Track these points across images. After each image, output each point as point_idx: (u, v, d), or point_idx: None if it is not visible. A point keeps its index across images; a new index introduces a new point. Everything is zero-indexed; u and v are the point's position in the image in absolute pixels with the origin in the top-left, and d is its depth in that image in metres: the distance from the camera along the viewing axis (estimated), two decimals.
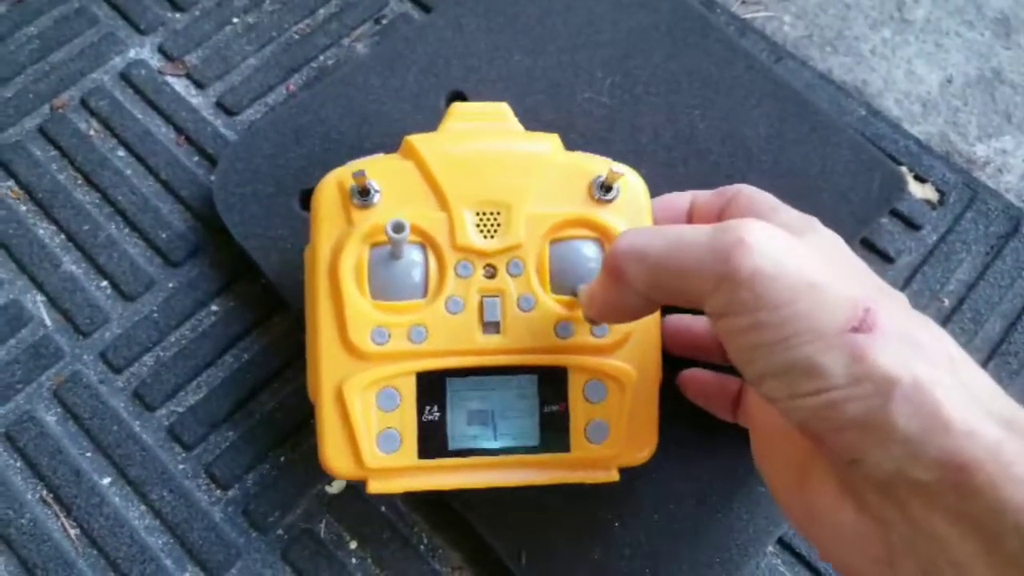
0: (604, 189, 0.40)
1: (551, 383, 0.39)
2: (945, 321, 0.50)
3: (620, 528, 0.43)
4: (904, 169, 0.54)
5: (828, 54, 0.60)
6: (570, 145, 0.42)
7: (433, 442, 0.38)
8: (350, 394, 0.38)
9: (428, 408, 0.38)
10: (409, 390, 0.38)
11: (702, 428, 0.43)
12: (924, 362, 0.27)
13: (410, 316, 0.39)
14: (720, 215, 0.39)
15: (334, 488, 0.45)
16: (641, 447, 0.39)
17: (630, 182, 0.41)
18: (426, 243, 0.40)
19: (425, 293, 0.39)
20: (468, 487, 0.39)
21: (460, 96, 0.52)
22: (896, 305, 0.29)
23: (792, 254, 0.29)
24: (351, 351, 0.38)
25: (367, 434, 0.38)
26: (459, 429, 0.38)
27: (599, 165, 0.41)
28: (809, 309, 0.28)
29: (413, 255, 0.40)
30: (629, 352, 0.40)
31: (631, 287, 0.33)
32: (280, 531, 0.44)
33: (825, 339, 0.28)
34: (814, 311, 0.28)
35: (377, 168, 0.40)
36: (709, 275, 0.30)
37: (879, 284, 0.32)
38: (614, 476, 0.39)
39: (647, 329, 0.40)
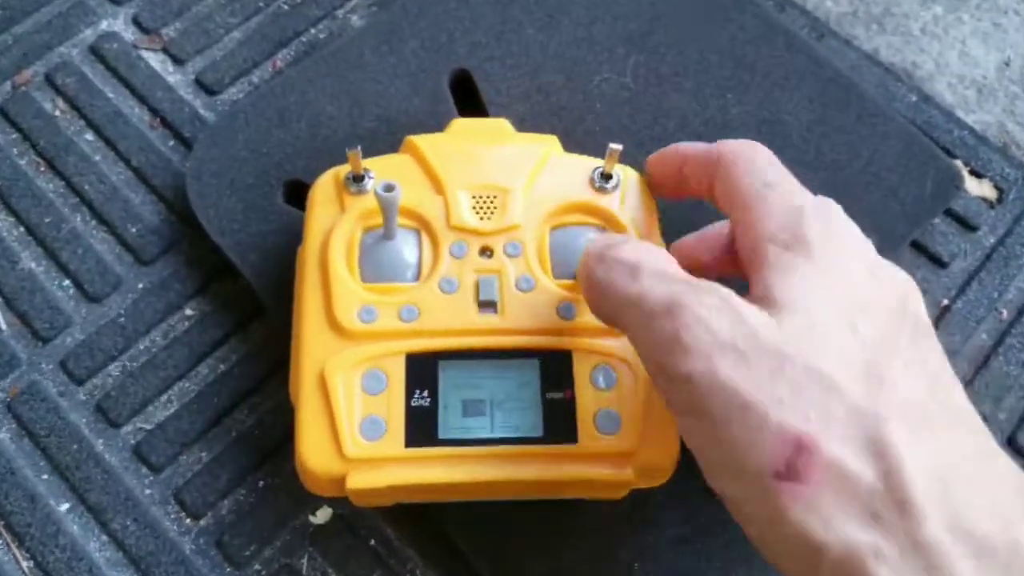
0: (604, 178, 0.39)
1: (554, 368, 0.36)
2: (1004, 335, 0.44)
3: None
4: (959, 163, 0.48)
5: (875, 32, 0.54)
6: (588, 132, 0.40)
7: (422, 430, 0.34)
8: (332, 375, 0.35)
9: (418, 392, 0.35)
10: (397, 372, 0.35)
11: None
12: (866, 520, 0.23)
13: (401, 296, 0.37)
14: (711, 185, 0.34)
15: (319, 518, 0.40)
16: (661, 447, 0.35)
17: (629, 172, 0.40)
18: (420, 227, 0.38)
19: (418, 278, 0.37)
20: (461, 482, 0.34)
21: (465, 75, 0.47)
22: (879, 416, 0.24)
23: (730, 362, 0.25)
24: (337, 330, 0.36)
25: (349, 420, 0.34)
26: (451, 416, 0.35)
27: (597, 162, 0.40)
28: (736, 438, 0.24)
29: (406, 239, 0.38)
30: None
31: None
32: (258, 566, 0.39)
33: (748, 481, 0.24)
34: (741, 442, 0.24)
35: (376, 164, 0.39)
36: (648, 356, 0.28)
37: (879, 373, 0.25)
38: (629, 476, 0.34)
39: None
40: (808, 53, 0.48)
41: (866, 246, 0.30)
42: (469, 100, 0.47)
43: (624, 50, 0.47)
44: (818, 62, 0.48)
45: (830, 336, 0.26)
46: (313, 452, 0.34)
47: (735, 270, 0.33)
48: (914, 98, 0.50)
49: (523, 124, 0.45)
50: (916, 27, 0.54)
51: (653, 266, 0.29)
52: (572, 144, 0.43)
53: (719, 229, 0.37)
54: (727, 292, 0.27)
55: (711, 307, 0.26)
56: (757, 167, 0.32)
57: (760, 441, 0.24)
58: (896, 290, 0.28)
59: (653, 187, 0.39)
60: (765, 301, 0.27)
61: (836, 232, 0.29)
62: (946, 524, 0.23)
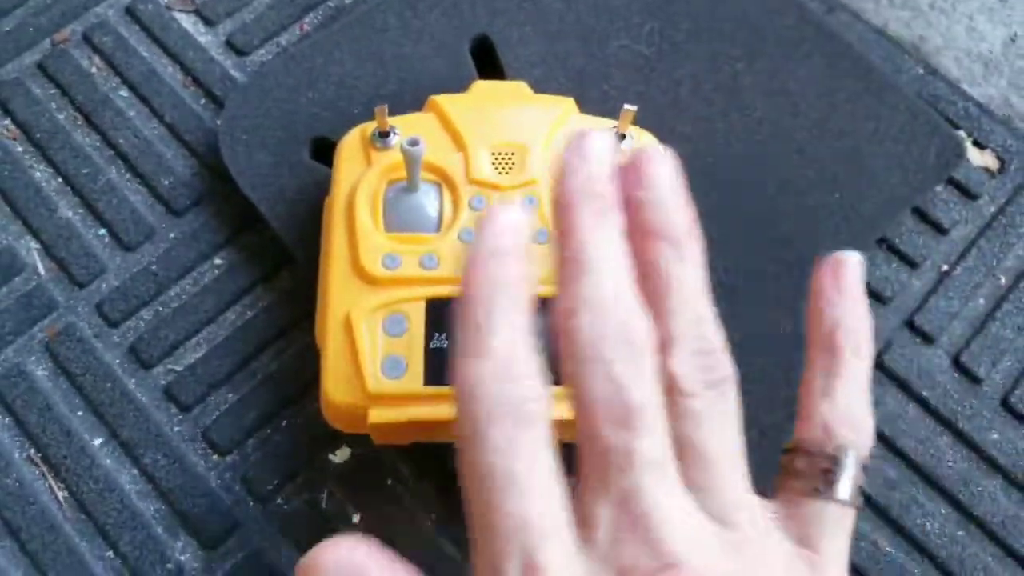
0: (619, 138, 0.41)
1: None
2: (1001, 301, 0.46)
3: None
4: (962, 134, 0.50)
5: (884, 7, 0.55)
6: (604, 96, 0.41)
7: (440, 369, 0.36)
8: (357, 318, 0.37)
9: (436, 335, 0.37)
10: (418, 316, 0.37)
11: None
12: None
13: (423, 246, 0.38)
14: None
15: (338, 457, 0.42)
16: None
17: (644, 135, 0.42)
18: (442, 181, 0.40)
19: (439, 229, 0.39)
20: None
21: (485, 41, 0.49)
22: None
23: None
24: (361, 276, 0.38)
25: (372, 358, 0.36)
26: None
27: (614, 123, 0.41)
28: None
29: (428, 192, 0.40)
30: None
31: None
32: (279, 500, 0.41)
33: None
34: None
35: (400, 122, 0.41)
36: None
37: None
38: None
39: None
40: (818, 25, 0.49)
41: None
42: (489, 64, 0.48)
43: (640, 18, 0.49)
44: (828, 34, 0.49)
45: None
46: (338, 388, 0.36)
47: None
48: (921, 71, 0.51)
49: (540, 88, 0.47)
50: (924, 2, 0.55)
51: None
52: (588, 108, 0.45)
53: None
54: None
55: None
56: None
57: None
58: None
59: None
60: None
61: None
62: None
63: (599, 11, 0.49)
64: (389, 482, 0.42)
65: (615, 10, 0.49)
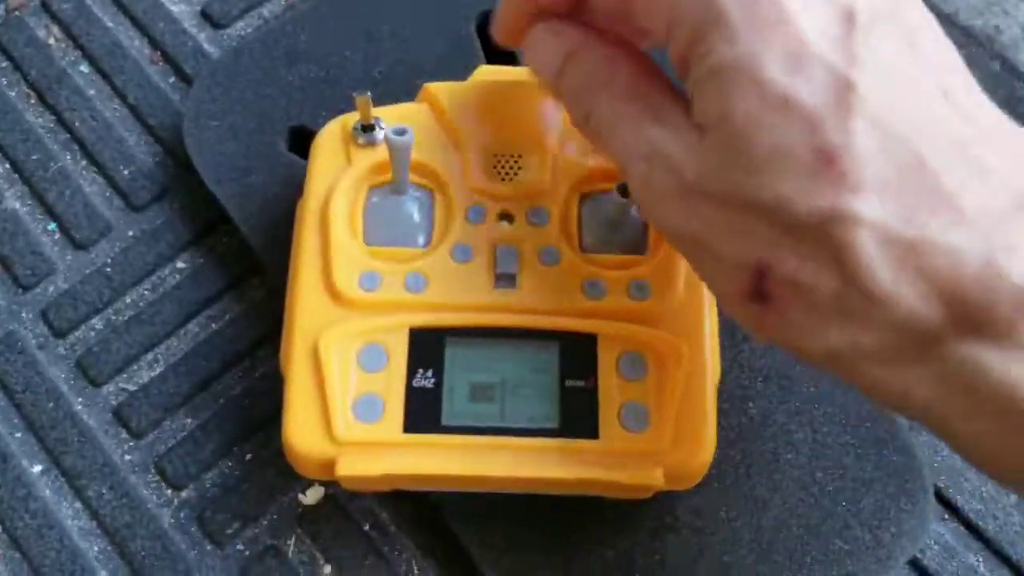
0: None
1: (576, 352, 0.32)
2: None
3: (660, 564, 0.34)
4: None
5: None
6: None
7: (423, 414, 0.31)
8: (327, 347, 0.31)
9: (421, 372, 0.32)
10: (399, 348, 0.32)
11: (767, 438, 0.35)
12: (839, 321, 0.23)
13: (408, 263, 0.33)
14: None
15: (308, 498, 0.37)
16: (693, 449, 0.31)
17: None
18: (434, 186, 0.35)
19: (428, 243, 0.34)
20: (464, 476, 0.31)
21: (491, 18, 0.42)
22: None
23: (676, 208, 0.25)
24: (334, 297, 0.32)
25: (342, 398, 0.31)
26: (457, 401, 0.31)
27: None
28: (708, 272, 0.26)
29: (418, 198, 0.35)
30: (678, 322, 0.32)
31: None
32: (240, 546, 0.36)
33: (731, 306, 0.25)
34: (712, 275, 0.26)
35: (387, 113, 0.35)
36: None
37: (828, 153, 0.22)
38: (658, 479, 0.30)
39: (702, 299, 0.33)
40: None
41: None
42: (497, 46, 0.42)
43: None
44: None
45: (757, 140, 0.23)
46: (301, 431, 0.31)
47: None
48: (997, 67, 0.45)
49: None
50: None
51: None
52: None
53: None
54: (656, 138, 0.25)
55: (646, 159, 0.25)
56: None
57: (724, 273, 0.25)
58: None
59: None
60: (695, 121, 0.25)
61: None
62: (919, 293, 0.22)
63: None
64: (366, 528, 0.36)
65: None
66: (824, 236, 0.22)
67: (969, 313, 0.22)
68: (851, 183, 0.22)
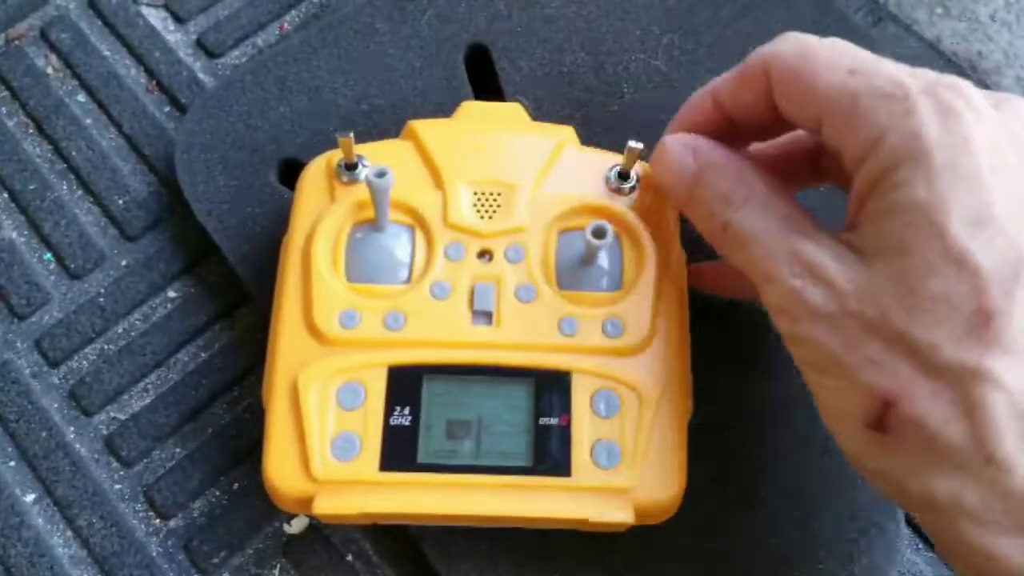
0: (621, 178, 0.35)
1: (550, 389, 0.32)
2: None
3: None
4: None
5: (939, 17, 0.48)
6: (615, 118, 0.36)
7: (399, 452, 0.31)
8: (305, 384, 0.32)
9: (398, 410, 0.32)
10: (377, 386, 0.32)
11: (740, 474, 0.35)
12: (949, 471, 0.23)
13: (388, 300, 0.33)
14: (763, 101, 0.30)
15: (293, 528, 0.37)
16: (664, 485, 0.31)
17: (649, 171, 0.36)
18: (415, 223, 0.35)
19: (409, 280, 0.34)
20: (438, 514, 0.31)
21: (482, 51, 0.43)
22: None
23: (823, 327, 0.26)
24: (314, 334, 0.33)
25: (320, 436, 0.31)
26: (433, 438, 0.32)
27: (616, 158, 0.36)
28: (833, 391, 0.26)
29: (398, 235, 0.35)
30: (650, 359, 0.33)
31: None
32: (226, 575, 0.37)
33: (846, 426, 0.26)
34: (838, 393, 0.26)
35: (371, 150, 0.36)
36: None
37: (988, 311, 0.23)
38: (628, 516, 0.30)
39: (675, 336, 0.33)
40: (864, 40, 0.42)
41: (997, 131, 0.25)
42: (485, 78, 0.42)
43: (659, 29, 0.43)
44: (873, 51, 0.42)
45: (926, 283, 0.24)
46: (279, 469, 0.31)
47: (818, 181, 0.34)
48: None
49: (543, 107, 0.41)
50: (985, 13, 0.48)
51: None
52: (596, 131, 0.39)
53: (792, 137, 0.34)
54: (810, 253, 0.26)
55: (801, 275, 0.26)
56: (835, 53, 0.28)
57: (851, 395, 0.25)
58: None
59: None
60: (856, 245, 0.26)
61: (956, 129, 0.24)
62: None
63: (612, 20, 0.43)
64: (349, 558, 0.37)
65: (630, 19, 0.43)
66: (962, 389, 0.23)
67: None
68: (1002, 347, 0.23)
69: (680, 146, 0.31)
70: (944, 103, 0.24)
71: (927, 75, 0.26)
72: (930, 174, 0.24)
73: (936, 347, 0.23)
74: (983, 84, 0.45)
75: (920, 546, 0.37)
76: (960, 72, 0.45)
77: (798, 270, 0.26)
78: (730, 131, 0.32)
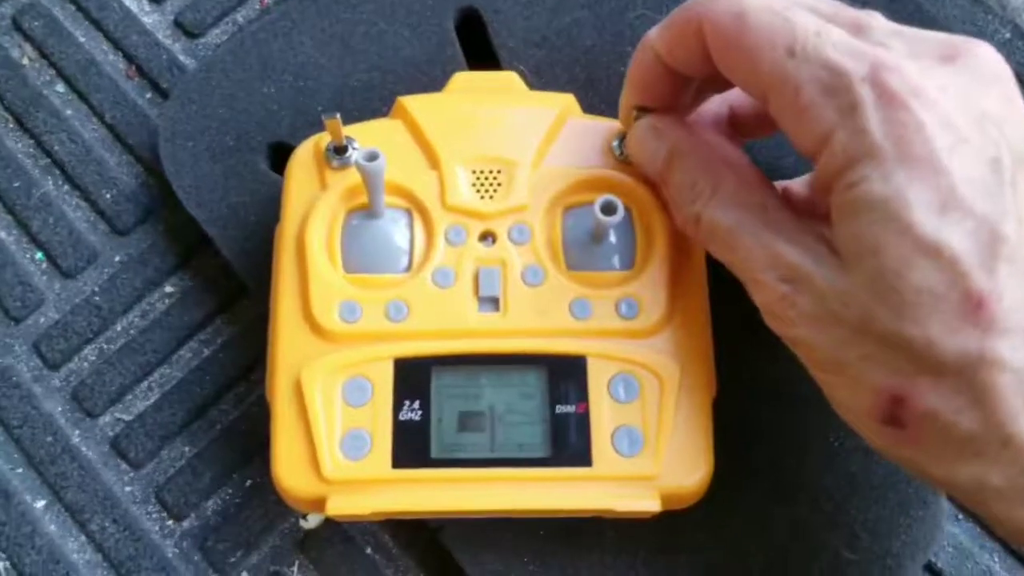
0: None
1: (566, 376, 0.31)
2: None
3: None
4: None
5: None
6: (618, 80, 0.33)
7: (411, 448, 0.30)
8: (309, 382, 0.31)
9: (407, 404, 0.31)
10: (384, 380, 0.31)
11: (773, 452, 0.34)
12: (970, 458, 0.23)
13: (389, 291, 0.32)
14: (700, 60, 0.28)
15: (310, 523, 0.37)
16: (690, 470, 0.30)
17: None
18: (412, 206, 0.33)
19: (409, 267, 0.32)
20: (455, 512, 0.30)
21: (473, 15, 0.41)
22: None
23: (814, 330, 0.26)
24: (315, 330, 0.31)
25: (328, 435, 0.30)
26: (445, 432, 0.31)
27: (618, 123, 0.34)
28: (841, 392, 0.26)
29: (395, 221, 0.33)
30: (669, 339, 0.31)
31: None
32: (244, 574, 0.36)
33: (863, 423, 0.26)
34: (846, 394, 0.26)
35: (360, 131, 0.34)
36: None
37: (976, 297, 0.23)
38: (654, 504, 0.30)
39: (694, 314, 0.32)
40: None
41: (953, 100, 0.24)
42: (478, 44, 0.41)
43: None
44: None
45: (907, 280, 0.23)
46: (289, 471, 0.31)
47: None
48: (1007, 34, 0.42)
49: (541, 73, 0.39)
50: None
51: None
52: (598, 97, 0.38)
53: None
54: (791, 256, 0.26)
55: (788, 280, 0.26)
56: (772, 23, 0.26)
57: (858, 394, 0.25)
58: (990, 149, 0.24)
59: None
60: (834, 244, 0.25)
61: (903, 118, 0.23)
62: None
63: None
64: (368, 551, 0.36)
65: None
66: (968, 378, 0.23)
67: None
68: (999, 328, 0.22)
69: (648, 129, 0.30)
70: (888, 91, 0.23)
71: (867, 52, 0.24)
72: (885, 169, 0.23)
73: (932, 341, 0.23)
74: (1012, 24, 0.42)
75: (960, 516, 0.36)
76: (988, 12, 0.42)
77: (782, 275, 0.26)
78: (683, 85, 0.30)
